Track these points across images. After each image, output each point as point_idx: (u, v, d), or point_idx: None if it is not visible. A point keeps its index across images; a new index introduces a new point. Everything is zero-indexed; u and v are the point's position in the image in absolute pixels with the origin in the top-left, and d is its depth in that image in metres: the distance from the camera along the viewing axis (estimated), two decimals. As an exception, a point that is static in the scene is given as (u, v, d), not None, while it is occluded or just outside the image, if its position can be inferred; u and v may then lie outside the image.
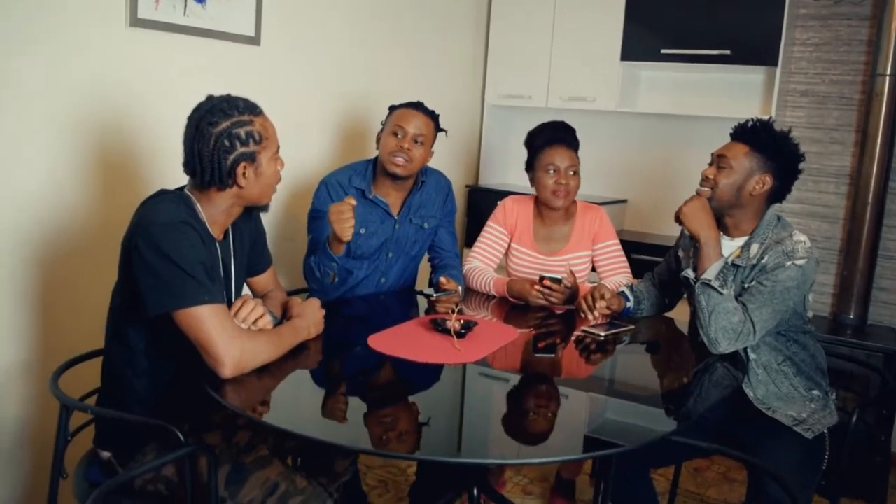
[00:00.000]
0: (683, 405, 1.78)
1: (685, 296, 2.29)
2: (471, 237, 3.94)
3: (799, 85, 3.48)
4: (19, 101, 2.07)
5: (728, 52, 3.34)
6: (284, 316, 1.89)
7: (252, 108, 1.71)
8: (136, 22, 2.28)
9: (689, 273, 2.08)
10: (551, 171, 2.49)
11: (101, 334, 1.79)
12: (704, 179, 2.10)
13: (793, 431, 1.99)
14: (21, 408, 2.21)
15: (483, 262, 2.65)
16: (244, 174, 1.68)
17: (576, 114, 3.65)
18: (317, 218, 2.43)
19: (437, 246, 2.65)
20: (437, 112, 2.50)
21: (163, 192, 1.73)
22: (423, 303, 2.50)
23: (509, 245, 2.66)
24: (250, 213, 1.89)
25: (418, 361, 1.84)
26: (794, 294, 1.99)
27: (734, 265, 2.08)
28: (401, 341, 1.93)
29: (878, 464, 2.96)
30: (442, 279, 2.37)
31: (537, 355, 2.08)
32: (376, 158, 2.50)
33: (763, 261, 2.01)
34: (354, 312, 2.38)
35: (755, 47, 3.32)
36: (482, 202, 3.95)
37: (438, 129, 2.51)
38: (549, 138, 2.53)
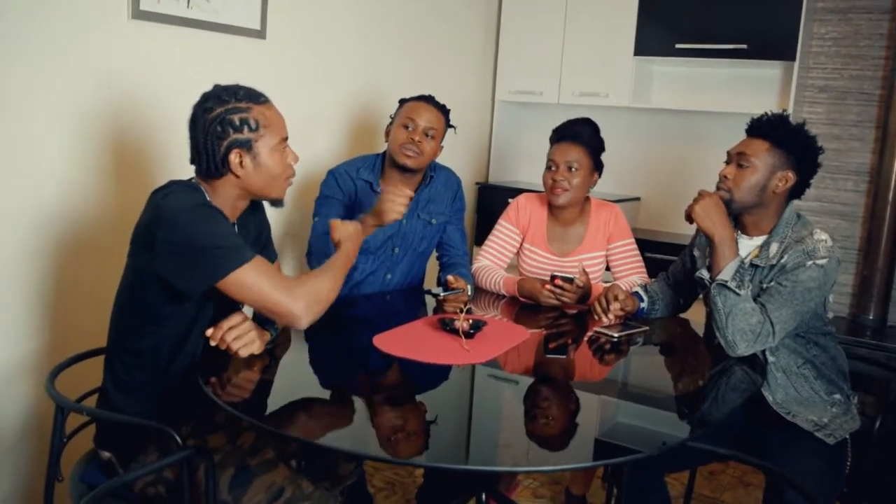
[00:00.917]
0: (700, 409, 1.72)
1: (700, 296, 2.23)
2: (481, 235, 3.87)
3: (817, 80, 3.40)
4: (20, 97, 2.03)
5: (744, 46, 3.27)
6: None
7: (253, 97, 1.67)
8: (138, 14, 2.23)
9: (704, 273, 2.01)
10: (551, 168, 2.43)
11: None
12: (723, 180, 2.03)
13: (813, 437, 1.92)
14: (25, 405, 2.17)
15: (493, 262, 2.59)
16: (240, 162, 1.64)
17: (588, 109, 3.59)
18: (324, 204, 2.40)
19: (446, 243, 2.59)
20: (447, 107, 2.45)
21: (174, 183, 1.69)
22: (431, 302, 2.44)
23: (521, 245, 2.60)
24: (256, 208, 1.85)
25: (425, 362, 1.78)
26: (815, 295, 1.92)
27: (752, 265, 2.01)
28: (407, 341, 1.88)
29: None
30: (450, 277, 2.32)
31: (549, 356, 2.02)
32: (385, 153, 2.45)
33: (783, 260, 1.94)
34: (360, 312, 2.32)
35: (772, 41, 3.25)
36: (492, 200, 3.90)
37: (449, 124, 2.46)
38: (560, 135, 2.47)
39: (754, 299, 1.95)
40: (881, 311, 3.23)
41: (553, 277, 2.29)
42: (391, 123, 2.42)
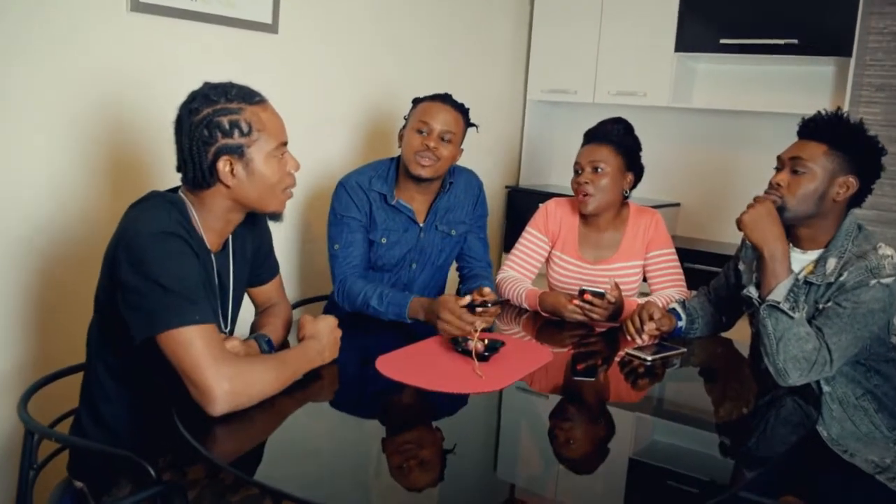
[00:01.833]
0: (745, 445, 1.51)
1: (746, 314, 2.01)
2: (510, 242, 3.70)
3: (874, 78, 3.15)
4: (15, 97, 1.90)
5: (795, 41, 3.05)
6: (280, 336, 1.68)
7: (246, 97, 1.49)
8: (138, 6, 2.09)
9: (752, 291, 1.80)
10: (577, 172, 2.26)
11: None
12: (774, 188, 1.81)
13: (874, 480, 1.70)
14: (6, 426, 2.04)
15: (519, 272, 2.40)
16: (230, 171, 1.46)
17: (625, 109, 3.39)
18: (341, 226, 2.19)
19: (467, 254, 2.40)
20: (466, 105, 2.24)
21: (153, 195, 1.51)
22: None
23: (550, 253, 2.41)
24: (255, 221, 1.67)
25: (431, 390, 1.59)
26: (879, 318, 1.70)
27: (807, 282, 1.79)
28: (413, 364, 1.69)
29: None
30: (485, 290, 1.95)
31: (576, 378, 1.82)
32: (399, 158, 2.26)
33: (842, 278, 1.72)
34: (365, 326, 2.11)
35: (826, 36, 3.02)
36: (523, 204, 3.72)
37: (469, 123, 2.26)
38: (588, 137, 2.28)
39: (809, 322, 1.73)
40: (944, 330, 2.95)
41: (582, 292, 2.09)
42: (405, 126, 2.23)
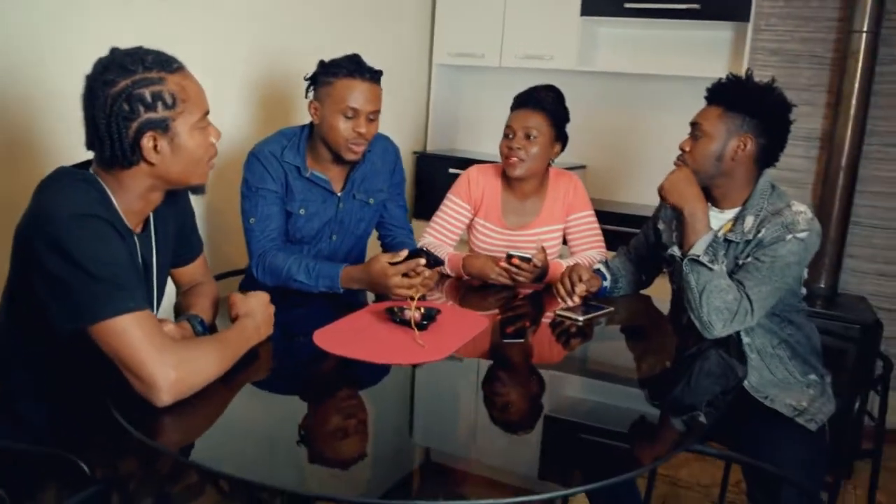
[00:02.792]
0: (673, 398, 1.56)
1: (665, 272, 2.08)
2: (421, 208, 3.67)
3: (769, 43, 3.27)
4: None
5: (697, 6, 3.13)
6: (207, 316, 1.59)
7: (164, 64, 1.37)
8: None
9: (676, 251, 1.86)
10: (508, 136, 2.25)
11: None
12: (681, 152, 1.90)
13: (794, 423, 1.80)
14: None
15: (439, 239, 2.38)
16: (155, 147, 1.35)
17: (532, 73, 3.40)
18: (255, 196, 2.08)
19: (388, 222, 2.35)
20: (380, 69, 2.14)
21: (63, 174, 1.37)
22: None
23: (472, 220, 2.39)
24: (175, 197, 1.56)
25: (375, 363, 1.56)
26: (795, 270, 1.79)
27: (726, 240, 1.86)
28: (352, 336, 1.65)
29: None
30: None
31: (506, 341, 1.83)
32: (308, 128, 2.16)
33: (760, 234, 1.79)
34: (299, 300, 2.04)
35: (725, 2, 3.11)
36: (431, 170, 3.69)
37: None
38: (520, 101, 2.28)
39: (730, 276, 1.80)
40: (832, 279, 3.17)
41: (509, 256, 2.09)
42: (318, 99, 2.07)
